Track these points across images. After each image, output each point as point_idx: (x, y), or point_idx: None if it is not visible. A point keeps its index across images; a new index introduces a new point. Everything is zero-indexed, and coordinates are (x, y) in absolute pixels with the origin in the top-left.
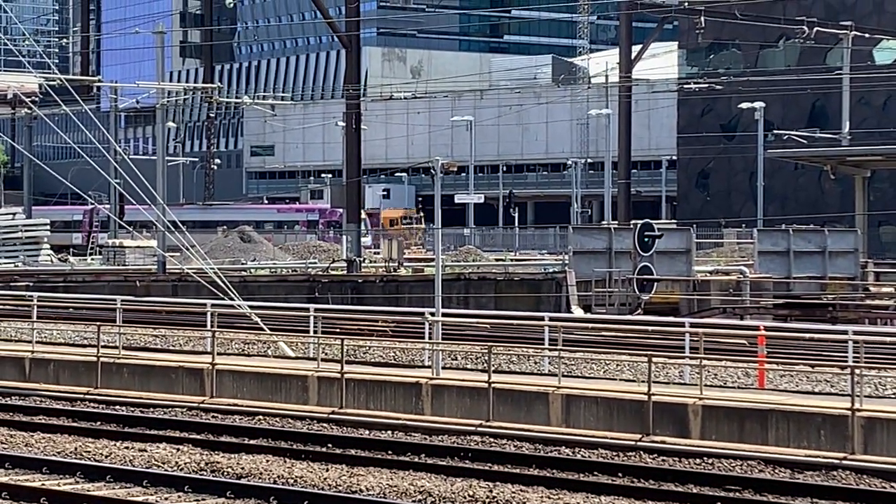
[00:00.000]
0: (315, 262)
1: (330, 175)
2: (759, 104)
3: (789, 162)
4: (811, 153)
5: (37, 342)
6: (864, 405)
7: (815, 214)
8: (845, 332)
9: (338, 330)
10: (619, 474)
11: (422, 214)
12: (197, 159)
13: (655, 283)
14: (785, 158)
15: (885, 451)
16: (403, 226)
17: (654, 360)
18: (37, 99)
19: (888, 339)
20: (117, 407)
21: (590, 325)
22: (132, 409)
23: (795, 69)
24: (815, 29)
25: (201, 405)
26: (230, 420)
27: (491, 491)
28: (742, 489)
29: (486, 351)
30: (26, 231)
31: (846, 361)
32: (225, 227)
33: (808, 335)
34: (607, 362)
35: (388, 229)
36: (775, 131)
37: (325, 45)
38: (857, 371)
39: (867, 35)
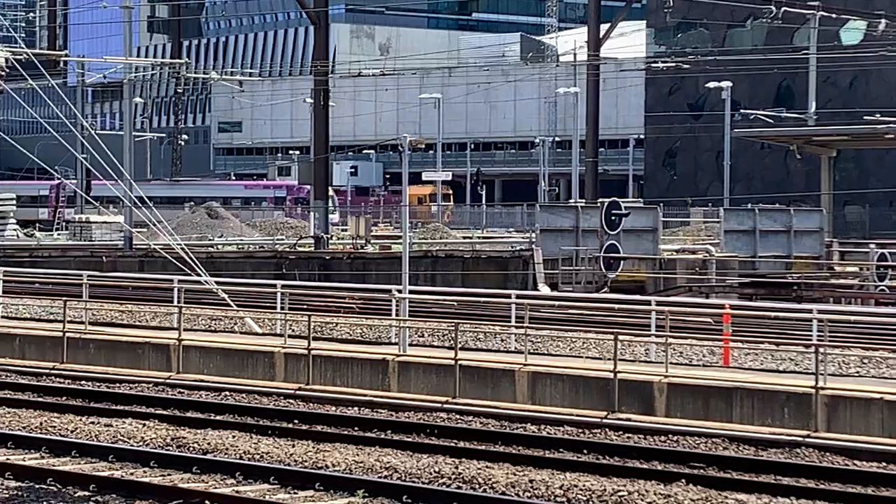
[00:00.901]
0: (282, 239)
1: (298, 152)
2: (726, 83)
3: (756, 141)
4: (777, 133)
5: (2, 317)
6: (827, 383)
7: (781, 194)
8: (810, 311)
9: (305, 306)
10: (585, 451)
11: (451, 191)
12: (164, 135)
13: (622, 262)
14: (751, 138)
15: (848, 429)
16: (432, 203)
17: (620, 337)
18: (3, 73)
19: (852, 317)
20: (83, 382)
21: (556, 303)
22: (98, 384)
23: (762, 49)
24: (783, 9)
25: (168, 381)
26: (196, 396)
27: (457, 467)
28: (706, 466)
29: (452, 328)
30: None
31: (810, 340)
32: (192, 203)
33: (772, 314)
34: (573, 340)
35: (417, 207)
36: (742, 111)
37: (293, 22)
38: (821, 349)
39: (834, 15)
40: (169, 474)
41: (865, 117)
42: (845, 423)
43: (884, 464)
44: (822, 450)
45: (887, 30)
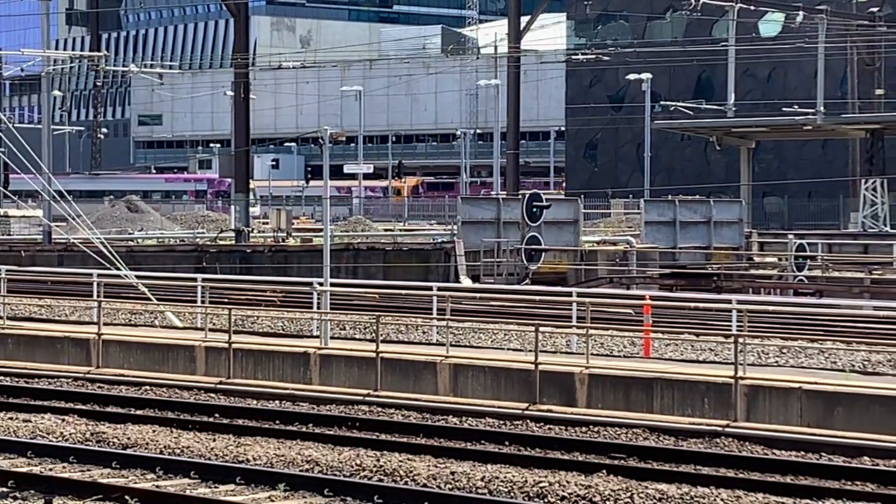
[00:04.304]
0: (203, 232)
1: (218, 145)
2: (646, 75)
3: (676, 133)
4: (697, 124)
5: None
6: (746, 373)
7: (701, 185)
8: (729, 302)
9: (226, 300)
10: (506, 443)
11: None
12: (84, 128)
13: (543, 253)
14: (671, 129)
15: (767, 419)
16: None
17: (542, 329)
18: None
19: (771, 307)
20: (1, 377)
21: (478, 295)
22: (17, 379)
23: (682, 41)
24: (702, 1)
25: (87, 375)
26: (116, 390)
27: (378, 460)
28: (627, 457)
29: (374, 320)
30: None
31: (730, 330)
32: (112, 196)
33: (692, 304)
34: (495, 332)
35: None
36: (662, 102)
37: (213, 14)
38: (741, 339)
39: (752, 7)
40: (88, 469)
41: (784, 109)
42: (764, 412)
43: (802, 452)
44: (742, 439)
45: (805, 22)
